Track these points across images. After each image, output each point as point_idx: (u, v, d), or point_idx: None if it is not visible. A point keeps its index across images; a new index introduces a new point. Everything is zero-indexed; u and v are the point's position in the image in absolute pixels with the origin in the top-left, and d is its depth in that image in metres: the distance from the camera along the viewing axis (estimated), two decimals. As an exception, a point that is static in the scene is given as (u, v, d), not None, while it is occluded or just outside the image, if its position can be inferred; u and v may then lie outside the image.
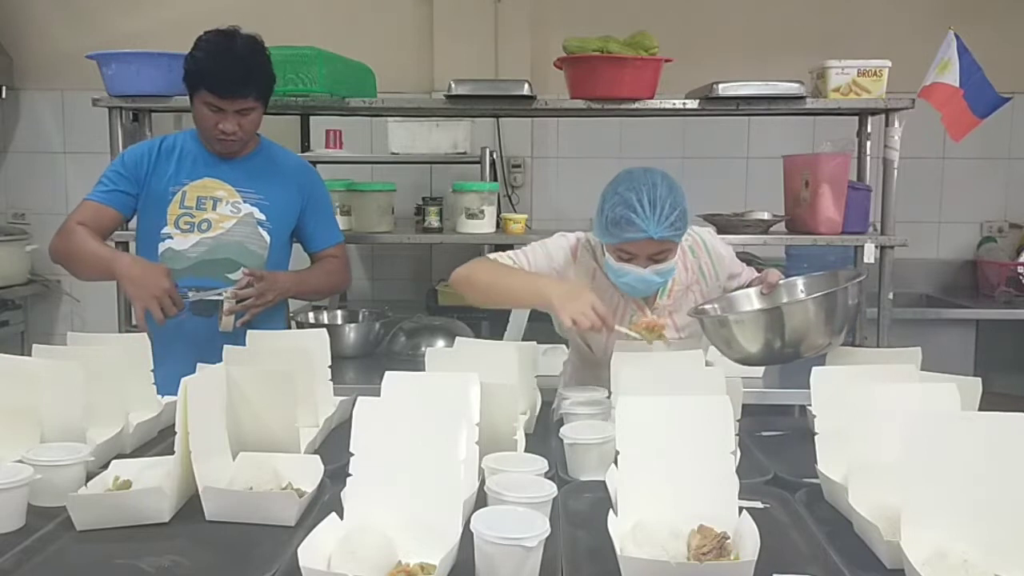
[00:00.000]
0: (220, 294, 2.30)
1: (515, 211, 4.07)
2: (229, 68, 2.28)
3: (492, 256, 2.15)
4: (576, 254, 2.16)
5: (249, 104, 2.33)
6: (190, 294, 2.31)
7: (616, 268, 2.01)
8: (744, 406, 1.73)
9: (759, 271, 2.22)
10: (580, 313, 1.86)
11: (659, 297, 2.15)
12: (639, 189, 1.93)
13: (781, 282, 2.10)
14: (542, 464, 1.50)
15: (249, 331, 2.04)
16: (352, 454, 1.30)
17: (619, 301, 2.14)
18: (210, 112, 2.32)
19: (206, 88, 2.30)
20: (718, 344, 1.96)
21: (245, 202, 2.43)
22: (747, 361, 1.94)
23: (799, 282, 2.12)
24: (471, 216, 3.05)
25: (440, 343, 2.95)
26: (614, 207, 1.95)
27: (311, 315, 3.28)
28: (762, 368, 2.88)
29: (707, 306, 2.12)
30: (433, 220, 3.17)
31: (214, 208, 2.41)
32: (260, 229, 2.43)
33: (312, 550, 1.16)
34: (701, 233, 2.23)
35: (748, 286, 2.18)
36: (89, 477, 1.48)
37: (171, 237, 2.40)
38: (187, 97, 2.94)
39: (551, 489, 1.37)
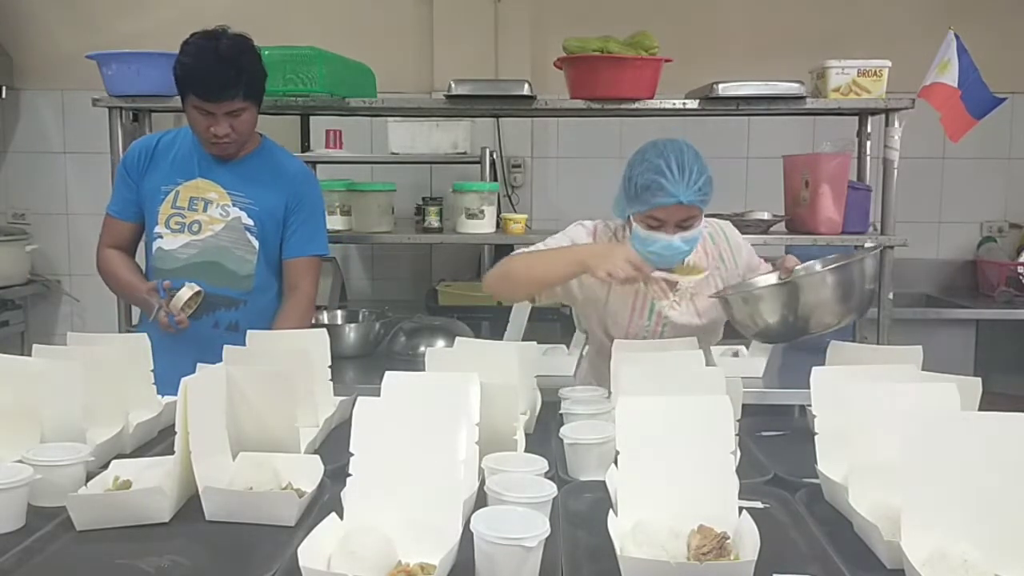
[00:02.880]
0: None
1: (515, 211, 4.07)
2: (214, 71, 2.24)
3: (518, 252, 2.19)
4: (595, 238, 2.20)
5: (239, 105, 2.29)
6: (187, 285, 2.31)
7: (644, 236, 2.04)
8: (744, 406, 1.72)
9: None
10: (615, 267, 1.92)
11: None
12: (667, 156, 1.99)
13: (799, 267, 2.13)
14: (542, 464, 1.50)
15: (249, 331, 2.03)
16: (352, 454, 1.30)
17: (640, 286, 2.16)
18: (201, 116, 2.29)
19: (193, 92, 2.27)
20: (742, 319, 2.01)
21: (234, 206, 2.40)
22: (767, 336, 2.01)
23: (817, 265, 2.16)
24: (471, 216, 3.05)
25: (440, 343, 2.95)
26: (643, 173, 2.00)
27: (311, 315, 3.27)
28: (762, 368, 2.89)
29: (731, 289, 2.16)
30: (433, 220, 3.17)
31: (205, 210, 2.39)
32: (248, 235, 2.41)
33: (312, 550, 1.16)
34: (720, 223, 2.30)
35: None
36: (89, 477, 1.48)
37: (161, 237, 2.40)
38: (187, 97, 2.98)
39: (551, 489, 1.37)
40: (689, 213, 2.01)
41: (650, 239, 2.03)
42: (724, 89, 2.83)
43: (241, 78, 2.27)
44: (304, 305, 2.47)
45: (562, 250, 2.13)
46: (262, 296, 2.46)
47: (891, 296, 2.95)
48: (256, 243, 2.42)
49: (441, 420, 1.31)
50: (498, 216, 3.14)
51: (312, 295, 2.50)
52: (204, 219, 2.39)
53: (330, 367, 2.00)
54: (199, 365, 1.74)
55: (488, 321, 3.46)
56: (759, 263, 2.32)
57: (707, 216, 3.02)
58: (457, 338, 2.03)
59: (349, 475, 1.30)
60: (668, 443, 1.33)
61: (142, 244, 2.55)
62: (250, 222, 2.41)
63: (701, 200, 2.00)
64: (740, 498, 1.32)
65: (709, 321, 2.22)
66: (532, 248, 2.19)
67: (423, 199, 3.45)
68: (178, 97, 2.91)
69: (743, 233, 2.94)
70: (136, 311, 3.12)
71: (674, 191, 1.95)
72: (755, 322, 1.98)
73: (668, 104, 2.92)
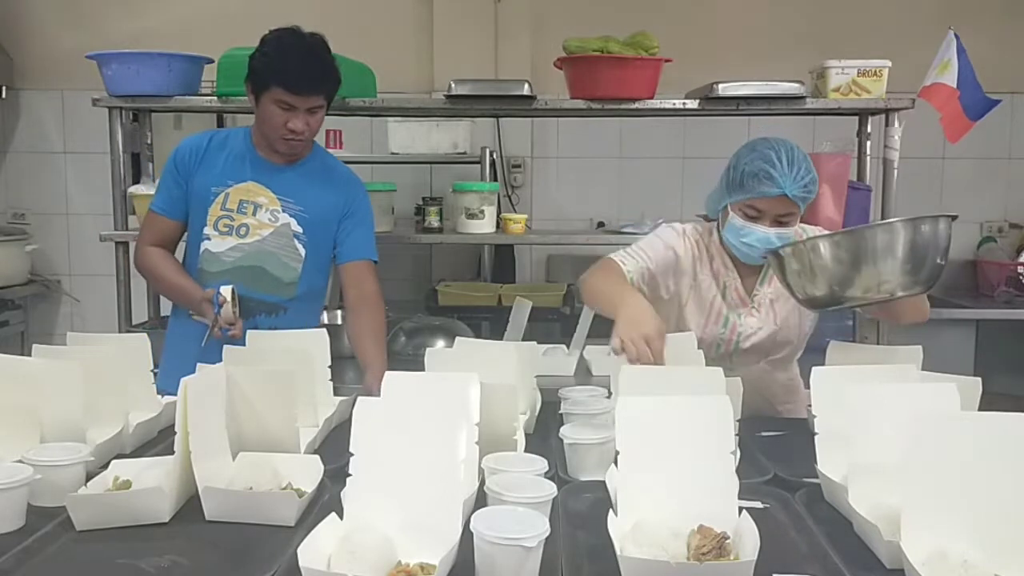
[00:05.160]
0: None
1: (515, 211, 4.07)
2: (305, 64, 2.23)
3: (615, 256, 2.08)
4: (685, 239, 2.15)
5: (319, 102, 2.28)
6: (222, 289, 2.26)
7: (740, 226, 2.03)
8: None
9: None
10: (630, 339, 1.75)
11: (758, 284, 2.15)
12: (778, 149, 2.00)
13: None
14: (542, 464, 1.50)
15: (249, 331, 2.03)
16: (352, 454, 1.30)
17: (715, 295, 2.14)
18: (281, 111, 2.25)
19: (281, 85, 2.22)
20: (792, 282, 1.84)
21: (284, 211, 2.36)
22: (816, 300, 1.82)
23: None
24: (471, 216, 3.06)
25: (440, 343, 2.95)
26: (752, 161, 2.00)
27: (311, 315, 3.27)
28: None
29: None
30: (433, 220, 3.17)
31: (254, 214, 2.35)
32: (296, 242, 2.37)
33: (312, 550, 1.16)
34: (808, 229, 2.20)
35: None
36: (89, 477, 1.48)
37: (209, 238, 2.36)
38: (187, 98, 2.98)
39: (551, 489, 1.37)
40: (789, 209, 2.00)
41: (745, 230, 2.03)
42: (724, 89, 2.83)
43: (329, 74, 2.28)
44: (382, 311, 2.46)
45: (616, 289, 1.96)
46: (305, 303, 2.42)
47: (891, 296, 2.95)
48: (303, 250, 2.38)
49: (441, 420, 1.31)
50: (498, 216, 3.15)
51: (378, 291, 2.48)
52: (253, 223, 2.35)
53: (330, 367, 2.00)
54: (199, 365, 1.73)
55: (488, 321, 3.46)
56: None
57: (699, 216, 3.03)
58: (457, 338, 2.03)
59: (349, 475, 1.30)
60: (668, 443, 1.33)
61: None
62: (299, 229, 2.37)
63: (804, 197, 2.00)
64: (740, 498, 1.32)
65: (787, 328, 2.14)
66: (629, 251, 2.09)
67: (423, 199, 3.45)
68: (178, 97, 2.95)
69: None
70: (136, 311, 3.12)
71: (781, 182, 1.96)
72: (810, 279, 1.79)
73: (668, 104, 2.92)
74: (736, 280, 2.15)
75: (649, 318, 1.80)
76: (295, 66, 2.22)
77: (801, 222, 2.26)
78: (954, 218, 1.77)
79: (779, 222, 2.01)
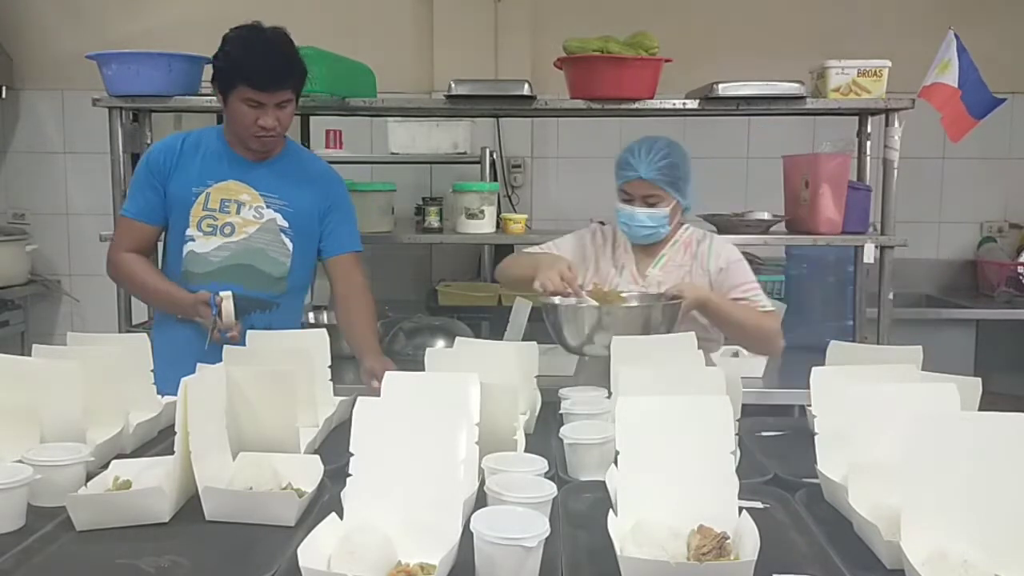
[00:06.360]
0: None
1: (515, 211, 4.07)
2: (269, 60, 2.21)
3: (530, 249, 2.49)
4: (592, 235, 2.50)
5: (287, 96, 2.26)
6: (221, 295, 2.25)
7: (618, 210, 2.35)
8: (744, 406, 1.72)
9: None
10: (547, 278, 2.13)
11: (652, 266, 2.40)
12: (643, 141, 2.33)
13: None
14: (542, 464, 1.50)
15: (249, 331, 2.03)
16: (352, 454, 1.30)
17: (613, 275, 2.41)
18: (249, 108, 2.24)
19: (246, 83, 2.21)
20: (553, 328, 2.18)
21: (268, 207, 2.36)
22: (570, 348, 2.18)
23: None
24: (471, 216, 3.06)
25: (440, 343, 2.95)
26: (620, 154, 2.36)
27: (311, 315, 3.27)
28: (762, 368, 2.89)
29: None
30: (433, 220, 3.17)
31: (238, 212, 2.34)
32: (283, 236, 2.37)
33: (312, 550, 1.16)
34: (714, 236, 2.49)
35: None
36: (89, 477, 1.48)
37: (193, 239, 2.34)
38: (187, 97, 2.97)
39: (551, 489, 1.37)
40: (651, 190, 2.30)
41: (620, 211, 2.35)
42: (724, 89, 2.83)
43: (293, 68, 2.27)
44: (372, 300, 2.48)
45: (533, 257, 2.38)
46: (295, 298, 2.44)
47: (891, 296, 2.96)
48: (291, 245, 2.38)
49: (441, 420, 1.31)
50: (498, 216, 3.15)
51: (364, 282, 2.49)
52: (237, 221, 2.34)
53: (330, 367, 2.00)
54: (199, 365, 1.73)
55: (488, 321, 3.46)
56: (742, 280, 2.34)
57: (708, 217, 3.05)
58: (457, 338, 2.03)
59: (349, 475, 1.30)
60: (668, 443, 1.33)
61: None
62: (285, 223, 2.37)
63: (661, 178, 2.27)
64: (740, 498, 1.32)
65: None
66: (542, 246, 2.48)
67: (423, 199, 3.45)
68: (178, 97, 2.95)
69: (743, 233, 2.96)
70: (136, 311, 3.12)
71: (636, 166, 2.28)
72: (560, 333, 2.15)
73: (668, 104, 2.92)
74: (632, 263, 2.42)
75: (559, 259, 2.24)
76: (259, 63, 2.21)
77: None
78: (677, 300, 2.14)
79: (647, 203, 2.31)
